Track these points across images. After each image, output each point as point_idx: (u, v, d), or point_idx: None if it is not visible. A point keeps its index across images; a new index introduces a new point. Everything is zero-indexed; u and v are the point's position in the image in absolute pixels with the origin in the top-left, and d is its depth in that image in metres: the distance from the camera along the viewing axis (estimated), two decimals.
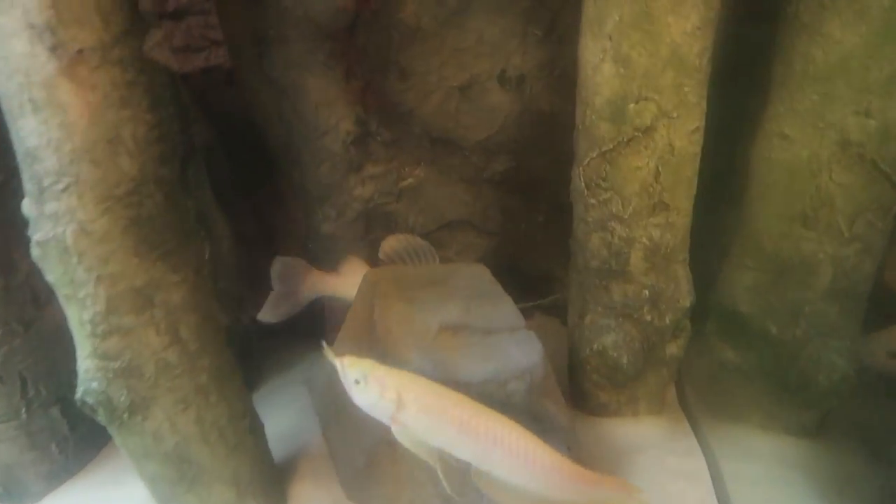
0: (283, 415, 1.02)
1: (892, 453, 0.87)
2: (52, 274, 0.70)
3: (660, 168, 0.88)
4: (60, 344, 0.93)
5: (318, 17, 1.02)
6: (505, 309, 0.89)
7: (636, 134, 0.87)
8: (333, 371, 0.97)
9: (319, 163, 1.12)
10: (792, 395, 0.92)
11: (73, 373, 0.91)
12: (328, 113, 1.08)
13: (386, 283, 0.92)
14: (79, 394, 0.73)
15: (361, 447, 0.85)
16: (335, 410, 0.92)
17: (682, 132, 0.86)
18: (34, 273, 0.90)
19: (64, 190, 0.67)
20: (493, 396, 0.79)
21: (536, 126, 1.18)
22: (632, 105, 0.85)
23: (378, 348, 0.85)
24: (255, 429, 0.83)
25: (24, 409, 0.89)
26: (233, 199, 1.20)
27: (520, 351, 0.83)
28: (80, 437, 0.96)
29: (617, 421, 1.01)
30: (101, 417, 0.74)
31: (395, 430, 0.69)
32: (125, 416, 0.73)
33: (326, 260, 1.14)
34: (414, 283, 0.93)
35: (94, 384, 0.72)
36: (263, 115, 1.14)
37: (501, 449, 0.68)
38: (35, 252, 0.70)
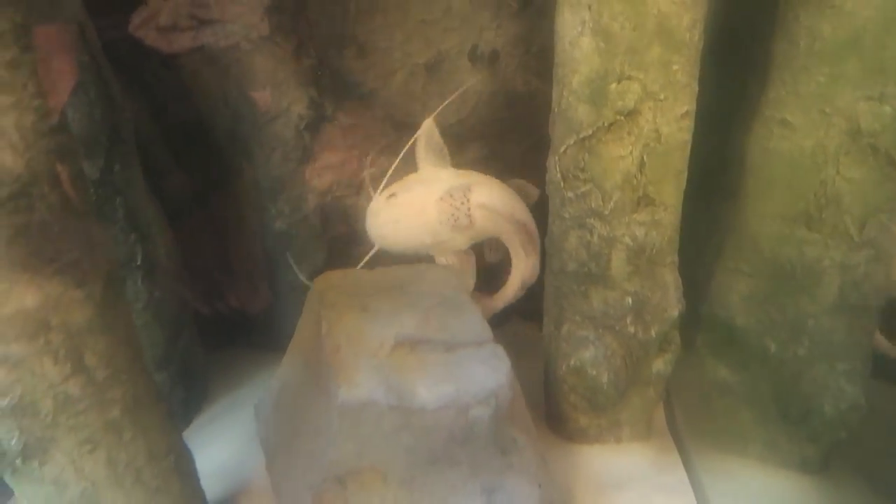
0: (225, 444, 0.92)
1: None
2: None
3: (645, 158, 0.78)
4: None
5: None
6: (470, 320, 0.79)
7: (618, 118, 0.76)
8: (280, 393, 0.87)
9: (270, 152, 1.00)
10: (793, 425, 0.81)
11: None
12: (278, 95, 0.97)
13: (334, 292, 0.82)
14: None
15: (308, 483, 0.75)
16: (281, 440, 0.82)
17: (671, 117, 0.76)
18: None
19: None
20: (452, 426, 0.70)
21: (511, 109, 1.07)
22: (613, 85, 0.75)
23: (324, 369, 0.74)
24: (183, 467, 0.73)
25: None
26: (178, 194, 1.09)
27: (485, 370, 0.73)
28: None
29: (597, 449, 0.90)
30: None
31: None
32: (17, 461, 0.62)
33: (283, 262, 1.03)
34: (368, 288, 0.83)
35: None
36: (206, 99, 1.02)
37: None
38: None
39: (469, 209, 0.92)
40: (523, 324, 1.15)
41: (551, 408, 0.92)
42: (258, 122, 0.99)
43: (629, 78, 0.74)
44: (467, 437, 0.70)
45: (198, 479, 0.75)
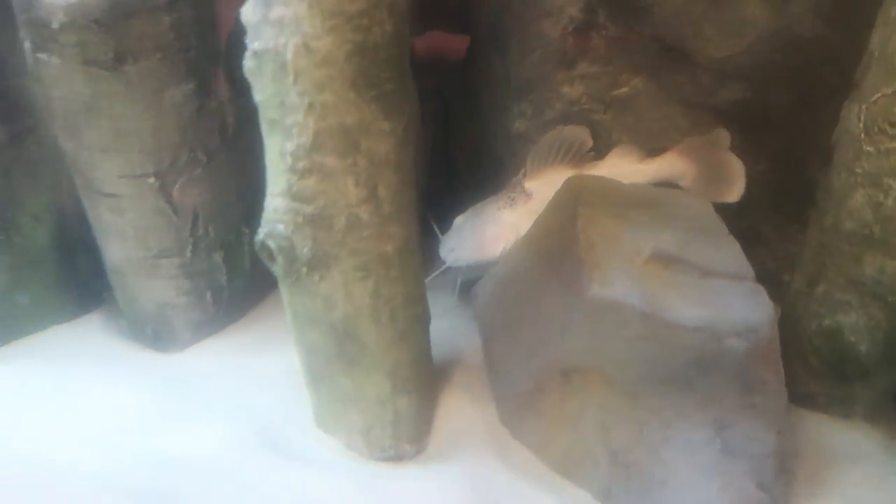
0: (443, 315, 0.92)
1: None
2: (263, 93, 0.62)
3: None
4: (236, 186, 0.88)
5: None
6: (729, 251, 0.74)
7: None
8: (505, 279, 0.87)
9: (529, 51, 0.98)
10: None
11: (243, 218, 0.85)
12: None
13: (591, 194, 0.79)
14: (260, 235, 0.66)
15: (530, 370, 0.74)
16: (503, 324, 0.82)
17: None
18: (229, 103, 0.84)
19: None
20: (701, 350, 0.65)
21: (789, 53, 0.98)
22: None
23: (572, 263, 0.72)
24: (424, 320, 0.74)
25: (189, 248, 0.85)
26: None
27: (745, 304, 0.68)
28: (233, 293, 0.92)
29: (821, 418, 0.83)
30: (278, 267, 0.66)
31: None
32: (304, 270, 0.65)
33: (511, 164, 1.02)
34: (624, 199, 0.80)
35: (281, 227, 0.64)
36: None
37: None
38: (249, 64, 0.62)
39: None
40: None
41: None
42: (525, 16, 0.96)
43: None
44: (713, 366, 0.66)
45: (429, 338, 0.76)
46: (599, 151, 1.01)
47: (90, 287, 0.94)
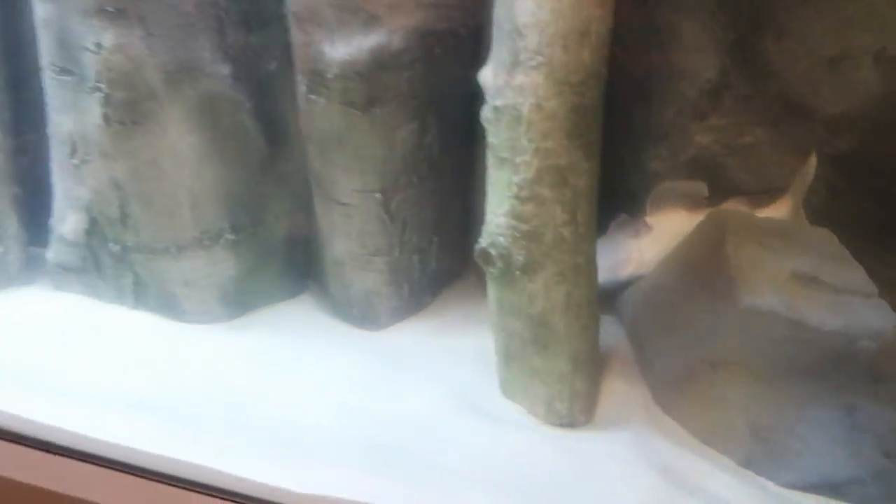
0: None
1: None
2: (498, 137, 0.83)
3: None
4: (434, 205, 1.09)
5: None
6: (856, 274, 0.91)
7: None
8: (653, 291, 1.05)
9: (668, 105, 1.17)
10: None
11: (435, 230, 1.07)
12: (695, 62, 1.13)
13: (736, 224, 0.97)
14: (482, 244, 0.87)
15: (683, 360, 0.92)
16: (654, 325, 1.00)
17: None
18: (435, 138, 1.06)
19: (535, 67, 0.79)
20: (837, 349, 0.82)
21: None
22: None
23: (723, 279, 0.90)
24: (597, 318, 0.93)
25: (396, 249, 1.07)
26: None
27: (872, 314, 0.85)
28: (422, 287, 1.14)
29: None
30: (496, 270, 0.87)
31: None
32: (517, 273, 0.86)
33: (645, 198, 1.20)
34: (762, 229, 0.98)
35: (501, 239, 0.85)
36: (628, 50, 1.20)
37: None
38: (488, 115, 0.84)
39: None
40: None
41: None
42: (668, 77, 1.16)
43: None
44: (847, 362, 0.83)
45: (599, 332, 0.95)
46: (721, 190, 1.20)
47: (303, 275, 1.18)
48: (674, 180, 1.20)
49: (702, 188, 1.17)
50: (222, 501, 0.82)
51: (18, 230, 1.10)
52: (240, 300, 1.11)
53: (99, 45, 0.89)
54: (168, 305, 1.09)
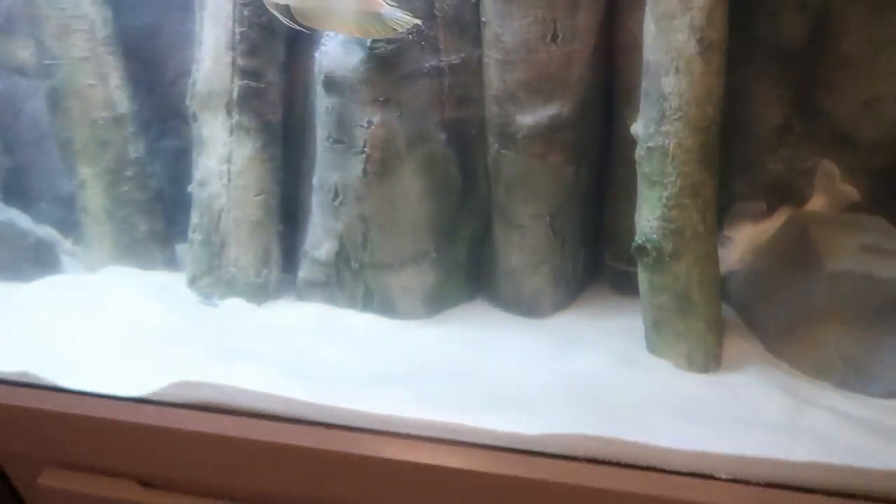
0: None
1: None
2: (650, 167, 1.22)
3: None
4: (581, 225, 1.48)
5: (780, 43, 1.47)
6: None
7: None
8: (753, 274, 1.42)
9: (747, 141, 1.56)
10: None
11: (580, 243, 1.45)
12: (765, 111, 1.53)
13: (813, 218, 1.37)
14: (640, 241, 1.25)
15: (786, 317, 1.29)
16: (756, 296, 1.38)
17: None
18: (585, 175, 1.45)
19: (676, 119, 1.18)
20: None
21: None
22: None
23: (809, 256, 1.27)
24: (719, 291, 1.30)
25: (558, 258, 1.45)
26: None
27: None
28: (574, 285, 1.52)
29: None
30: (649, 258, 1.25)
31: None
32: (667, 258, 1.23)
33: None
34: (834, 220, 1.37)
35: (655, 236, 1.23)
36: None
37: None
38: (641, 153, 1.23)
39: None
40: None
41: None
42: (746, 123, 1.55)
43: None
44: None
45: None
46: (793, 202, 1.57)
47: (477, 283, 1.56)
48: (749, 202, 1.59)
49: (762, 207, 1.55)
50: (472, 448, 1.07)
51: (279, 258, 1.51)
52: (437, 302, 1.50)
53: (370, 123, 1.31)
54: (388, 308, 1.47)
